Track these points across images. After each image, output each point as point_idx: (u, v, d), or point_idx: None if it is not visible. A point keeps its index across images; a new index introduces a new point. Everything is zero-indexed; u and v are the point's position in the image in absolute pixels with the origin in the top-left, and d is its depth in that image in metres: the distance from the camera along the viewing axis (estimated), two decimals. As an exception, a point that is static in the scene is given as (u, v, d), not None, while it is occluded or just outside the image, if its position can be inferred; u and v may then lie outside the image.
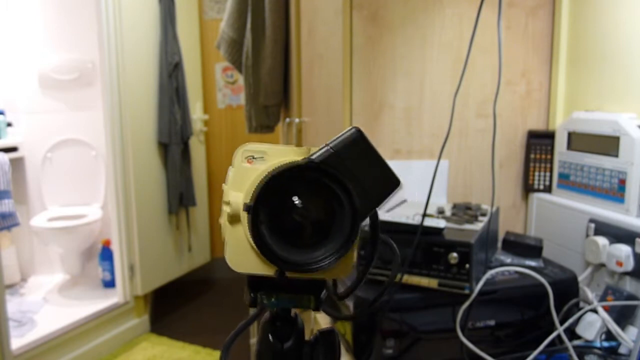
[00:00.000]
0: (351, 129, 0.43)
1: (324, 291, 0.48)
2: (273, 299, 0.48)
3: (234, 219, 0.45)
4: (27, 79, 3.28)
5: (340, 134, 0.43)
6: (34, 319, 2.69)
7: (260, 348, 0.50)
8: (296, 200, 0.42)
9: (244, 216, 0.42)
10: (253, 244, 0.42)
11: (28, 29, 3.27)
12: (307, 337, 0.51)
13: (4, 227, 2.52)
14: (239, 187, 0.46)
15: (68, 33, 3.30)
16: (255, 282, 0.48)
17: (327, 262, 0.41)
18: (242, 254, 0.45)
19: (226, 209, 0.45)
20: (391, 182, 0.44)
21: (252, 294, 0.48)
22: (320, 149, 0.43)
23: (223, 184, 0.48)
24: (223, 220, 0.46)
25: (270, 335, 0.50)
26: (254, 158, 0.47)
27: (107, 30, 2.69)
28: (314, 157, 0.42)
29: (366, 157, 0.43)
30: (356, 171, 0.42)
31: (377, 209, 0.45)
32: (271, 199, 0.41)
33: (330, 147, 0.42)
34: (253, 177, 0.45)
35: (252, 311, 0.51)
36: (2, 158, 2.53)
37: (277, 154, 0.46)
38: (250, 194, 0.42)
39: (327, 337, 0.51)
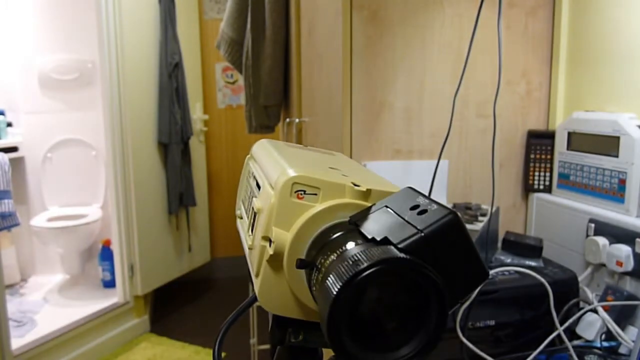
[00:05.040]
0: (448, 213, 0.36)
1: None
2: (301, 337, 0.44)
3: (274, 260, 0.40)
4: (27, 79, 3.29)
5: (431, 211, 0.37)
6: (34, 319, 2.69)
7: None
8: (377, 293, 0.34)
9: (288, 260, 0.38)
10: (295, 293, 0.38)
11: (28, 28, 3.27)
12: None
13: (4, 227, 2.52)
14: (284, 224, 0.40)
15: (68, 33, 3.30)
16: (282, 318, 0.43)
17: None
18: (278, 297, 0.40)
19: (265, 245, 0.40)
20: (479, 275, 0.37)
21: (278, 331, 0.44)
22: (405, 228, 0.35)
23: (255, 200, 0.42)
24: (257, 252, 0.41)
25: None
26: (305, 193, 0.40)
27: (107, 30, 2.69)
28: (398, 242, 0.34)
29: (457, 246, 0.36)
30: (444, 259, 0.36)
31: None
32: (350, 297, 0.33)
33: (421, 231, 0.35)
34: (304, 216, 0.39)
35: (251, 312, 0.50)
36: (2, 158, 2.53)
37: (331, 192, 0.40)
38: (299, 236, 0.37)
39: None
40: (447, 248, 0.35)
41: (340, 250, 0.36)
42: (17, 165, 3.25)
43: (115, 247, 2.89)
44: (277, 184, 0.41)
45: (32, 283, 3.31)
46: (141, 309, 3.01)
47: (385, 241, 0.35)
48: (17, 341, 2.37)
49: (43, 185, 3.32)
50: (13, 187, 2.66)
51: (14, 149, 3.16)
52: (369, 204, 0.41)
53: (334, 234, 0.39)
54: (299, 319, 0.42)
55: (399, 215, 0.37)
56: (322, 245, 0.38)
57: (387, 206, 0.39)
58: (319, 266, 0.37)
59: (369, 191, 0.41)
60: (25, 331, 2.53)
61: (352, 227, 0.39)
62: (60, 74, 3.30)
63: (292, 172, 0.41)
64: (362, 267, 0.32)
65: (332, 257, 0.36)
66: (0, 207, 2.46)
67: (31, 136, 3.30)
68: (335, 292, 0.32)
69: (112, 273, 3.03)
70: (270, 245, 0.40)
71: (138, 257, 2.91)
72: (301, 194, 0.40)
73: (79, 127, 3.36)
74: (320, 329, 0.38)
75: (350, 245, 0.36)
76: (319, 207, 0.40)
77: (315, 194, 0.40)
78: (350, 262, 0.33)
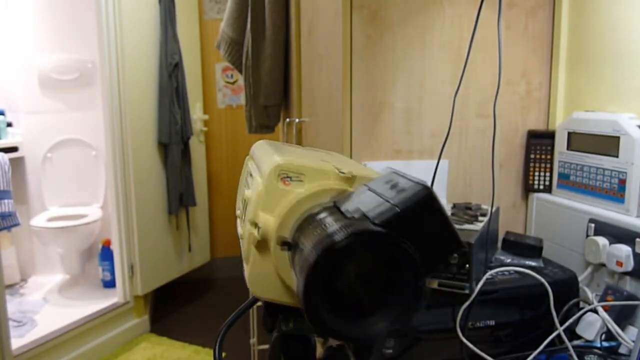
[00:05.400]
0: (422, 188, 0.37)
1: None
2: (291, 324, 0.45)
3: (262, 244, 0.40)
4: (27, 79, 3.29)
5: (406, 187, 0.38)
6: (34, 319, 2.69)
7: None
8: (351, 263, 0.35)
9: (275, 244, 0.39)
10: (282, 276, 0.39)
11: (28, 28, 3.27)
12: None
13: (4, 227, 2.52)
14: (271, 208, 0.40)
15: (68, 33, 3.30)
16: (273, 305, 0.44)
17: (382, 334, 0.36)
18: (267, 282, 0.41)
19: (253, 231, 0.41)
20: (453, 245, 0.39)
21: (269, 319, 0.45)
22: (382, 206, 0.36)
23: (246, 190, 0.44)
24: (247, 239, 0.42)
25: (282, 357, 0.47)
26: (290, 179, 0.41)
27: (107, 30, 2.69)
28: (374, 217, 0.35)
29: (431, 219, 0.38)
30: (419, 232, 0.37)
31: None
32: (328, 268, 0.35)
33: (396, 206, 0.36)
34: (289, 201, 0.40)
35: (252, 312, 0.50)
36: (2, 158, 2.53)
37: (316, 177, 0.41)
38: (284, 220, 0.38)
39: (338, 354, 0.48)
40: (421, 221, 0.37)
41: (320, 228, 0.37)
42: (17, 165, 3.25)
43: (115, 247, 2.89)
44: (264, 171, 0.42)
45: (32, 283, 3.31)
46: (141, 309, 3.01)
47: (363, 217, 0.36)
48: (17, 341, 2.37)
49: (43, 185, 3.32)
50: (13, 187, 2.67)
51: (14, 149, 3.16)
52: (354, 190, 0.42)
53: (316, 216, 0.40)
54: (289, 307, 0.43)
55: (377, 194, 0.38)
56: (305, 227, 0.39)
57: (368, 188, 0.40)
58: (300, 246, 0.37)
59: (353, 177, 0.42)
60: (25, 331, 2.53)
61: (334, 208, 0.40)
62: (60, 74, 3.30)
63: (278, 159, 0.42)
64: (337, 238, 0.33)
65: (312, 234, 0.37)
66: (0, 207, 2.46)
67: (31, 136, 3.31)
68: (310, 262, 0.33)
69: (112, 273, 3.03)
70: (257, 231, 0.40)
71: (138, 257, 2.91)
72: (287, 180, 0.41)
73: (79, 127, 3.36)
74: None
75: (329, 221, 0.37)
76: (303, 192, 0.41)
77: (301, 180, 0.41)
78: (326, 235, 0.34)
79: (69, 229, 3.01)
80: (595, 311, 0.90)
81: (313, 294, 0.34)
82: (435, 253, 0.38)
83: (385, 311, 0.36)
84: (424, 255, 0.35)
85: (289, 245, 0.38)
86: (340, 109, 1.16)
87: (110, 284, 3.09)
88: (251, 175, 0.53)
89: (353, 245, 0.33)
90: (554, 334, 0.88)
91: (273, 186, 0.41)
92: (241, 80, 3.58)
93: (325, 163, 0.44)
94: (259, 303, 0.43)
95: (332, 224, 0.36)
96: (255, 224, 0.41)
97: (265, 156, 0.48)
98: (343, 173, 0.42)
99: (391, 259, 0.35)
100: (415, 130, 1.19)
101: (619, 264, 0.92)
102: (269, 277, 0.41)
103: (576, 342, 0.90)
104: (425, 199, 0.37)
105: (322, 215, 0.39)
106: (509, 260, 1.01)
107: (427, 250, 0.36)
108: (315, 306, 0.34)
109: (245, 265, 0.43)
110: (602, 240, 0.96)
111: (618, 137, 0.99)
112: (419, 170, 1.17)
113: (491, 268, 0.94)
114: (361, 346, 0.39)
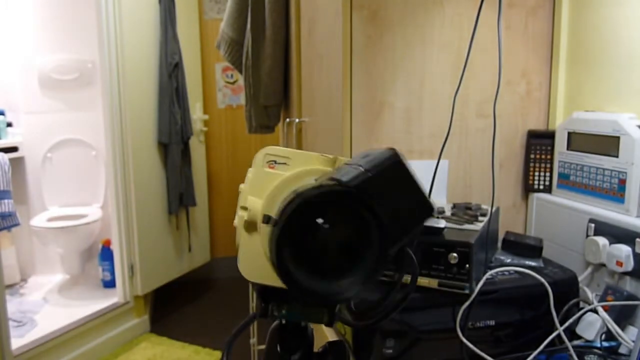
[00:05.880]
0: (388, 151, 0.39)
1: (338, 306, 0.45)
2: (284, 311, 0.45)
3: (250, 226, 0.42)
4: (27, 79, 3.29)
5: (376, 154, 0.40)
6: (34, 319, 2.69)
7: (267, 357, 0.48)
8: (322, 223, 0.37)
9: (262, 225, 0.40)
10: (269, 256, 0.40)
11: (28, 28, 3.27)
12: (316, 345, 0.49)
13: (4, 227, 2.52)
14: (258, 192, 0.42)
15: (68, 33, 3.30)
16: (266, 291, 0.45)
17: (353, 294, 0.37)
18: (255, 263, 0.43)
19: (243, 215, 0.42)
20: (424, 209, 0.40)
21: (262, 304, 0.45)
22: (354, 170, 0.38)
23: (241, 185, 0.45)
24: (238, 224, 0.44)
25: (278, 346, 0.47)
26: (276, 163, 0.43)
27: (107, 30, 2.69)
28: (347, 180, 0.37)
29: (401, 182, 0.39)
30: (389, 196, 0.38)
31: (408, 238, 0.40)
32: (298, 225, 0.37)
33: (367, 170, 0.38)
34: (274, 183, 0.42)
35: (252, 312, 0.50)
36: (2, 158, 2.53)
37: (301, 160, 0.43)
38: (270, 200, 0.40)
39: (337, 348, 0.48)
40: (390, 184, 0.39)
41: (294, 193, 0.39)
42: (17, 165, 3.25)
43: (115, 247, 2.89)
44: (254, 158, 0.45)
45: (32, 283, 3.31)
46: (141, 309, 3.01)
47: (334, 181, 0.38)
48: (17, 341, 2.37)
49: (43, 185, 3.32)
50: (13, 187, 2.66)
51: (14, 149, 3.16)
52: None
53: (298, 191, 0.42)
54: (282, 293, 0.44)
55: (351, 164, 0.41)
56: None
57: (346, 163, 0.42)
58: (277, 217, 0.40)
59: (335, 158, 0.44)
60: (25, 331, 2.53)
61: (313, 183, 0.42)
62: (60, 74, 3.30)
63: (267, 147, 0.45)
64: (305, 194, 0.36)
65: (286, 200, 0.39)
66: (0, 207, 2.46)
67: (31, 136, 3.31)
68: (280, 216, 0.36)
69: (112, 273, 3.03)
70: (247, 214, 0.42)
71: (138, 257, 2.91)
72: (273, 164, 0.44)
73: (79, 127, 3.36)
74: (302, 303, 0.44)
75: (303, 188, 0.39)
76: (288, 173, 0.43)
77: (287, 164, 0.43)
78: (296, 195, 0.36)
79: (69, 229, 3.01)
80: (595, 311, 0.90)
81: (283, 246, 0.36)
82: (405, 217, 0.39)
83: (355, 273, 0.37)
84: (395, 220, 0.37)
85: (269, 218, 0.40)
86: (340, 109, 1.16)
87: (110, 284, 3.09)
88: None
89: (318, 199, 0.36)
90: (554, 334, 0.88)
91: (260, 171, 0.43)
92: (241, 80, 3.58)
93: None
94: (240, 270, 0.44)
95: (304, 188, 0.38)
96: (245, 208, 0.42)
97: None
98: (326, 156, 0.44)
99: (360, 220, 0.36)
100: (415, 130, 1.19)
101: (619, 264, 0.92)
102: (258, 259, 0.42)
103: (576, 342, 0.90)
104: (392, 161, 0.39)
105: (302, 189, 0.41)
106: (509, 260, 1.01)
107: (397, 214, 0.38)
108: (284, 259, 0.36)
109: (238, 254, 0.44)
110: (602, 240, 0.96)
111: (618, 137, 0.99)
112: (419, 170, 1.16)
113: (491, 268, 0.94)
114: (329, 304, 0.40)
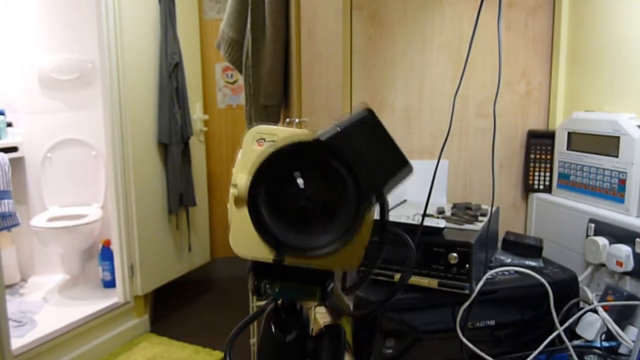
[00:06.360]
0: (362, 109, 0.41)
1: (331, 283, 0.45)
2: (277, 289, 0.46)
3: (239, 201, 0.43)
4: (27, 79, 3.28)
5: (351, 115, 0.41)
6: (34, 319, 2.69)
7: (262, 339, 0.49)
8: (298, 179, 0.39)
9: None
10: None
11: (28, 28, 3.27)
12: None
13: (4, 227, 2.52)
14: (247, 169, 0.43)
15: (68, 33, 3.30)
16: (259, 269, 0.46)
17: (329, 249, 0.39)
18: (244, 237, 0.43)
19: (232, 191, 0.44)
20: (399, 163, 0.42)
21: (255, 282, 0.46)
22: (331, 129, 0.40)
23: (233, 168, 0.46)
24: (230, 203, 0.45)
25: (272, 326, 0.48)
26: (264, 140, 0.45)
27: (107, 30, 2.69)
28: (320, 136, 0.39)
29: (375, 138, 0.41)
30: (363, 152, 0.40)
31: (385, 193, 0.41)
32: (272, 177, 0.39)
33: (338, 126, 0.40)
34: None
35: (252, 311, 0.51)
36: (2, 158, 2.53)
37: (287, 137, 0.43)
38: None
39: (333, 332, 0.49)
40: (361, 138, 0.40)
41: None
42: (17, 165, 3.25)
43: (115, 247, 2.89)
44: (244, 138, 0.46)
45: (32, 283, 3.31)
46: (141, 309, 3.01)
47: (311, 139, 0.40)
48: (17, 341, 2.37)
49: (43, 185, 3.32)
50: (13, 187, 2.67)
51: (14, 149, 3.16)
52: None
53: None
54: (275, 272, 0.45)
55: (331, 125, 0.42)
56: None
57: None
58: None
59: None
60: (25, 331, 2.53)
61: None
62: (60, 74, 3.30)
63: (256, 127, 0.47)
64: (276, 146, 0.38)
65: None
66: (0, 207, 2.46)
67: (31, 136, 3.30)
68: (256, 170, 0.38)
69: (112, 273, 3.03)
70: (236, 190, 0.44)
71: (138, 257, 2.91)
72: (261, 142, 0.45)
73: (79, 127, 3.36)
74: (295, 280, 0.44)
75: None
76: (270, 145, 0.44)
77: (274, 140, 0.45)
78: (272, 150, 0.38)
79: (69, 229, 3.01)
80: (595, 311, 0.90)
81: (257, 194, 0.38)
82: (381, 171, 0.41)
83: (333, 229, 0.39)
84: (370, 174, 0.39)
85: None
86: (340, 109, 1.16)
87: (110, 284, 3.09)
88: None
89: (288, 150, 0.38)
90: (554, 334, 0.88)
91: (249, 149, 0.45)
92: (241, 80, 3.58)
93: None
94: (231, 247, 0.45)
95: (282, 145, 0.39)
96: (234, 185, 0.44)
97: None
98: (314, 132, 0.45)
99: (338, 178, 0.38)
100: (415, 130, 1.19)
101: (619, 264, 0.92)
102: (247, 233, 0.43)
103: (576, 342, 0.90)
104: (365, 118, 0.41)
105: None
106: (509, 260, 1.01)
107: (371, 169, 0.39)
108: (258, 206, 0.38)
109: (229, 231, 0.45)
110: (602, 240, 0.96)
111: (618, 137, 0.99)
112: (419, 170, 1.17)
113: (491, 268, 0.94)
114: (300, 255, 0.40)
